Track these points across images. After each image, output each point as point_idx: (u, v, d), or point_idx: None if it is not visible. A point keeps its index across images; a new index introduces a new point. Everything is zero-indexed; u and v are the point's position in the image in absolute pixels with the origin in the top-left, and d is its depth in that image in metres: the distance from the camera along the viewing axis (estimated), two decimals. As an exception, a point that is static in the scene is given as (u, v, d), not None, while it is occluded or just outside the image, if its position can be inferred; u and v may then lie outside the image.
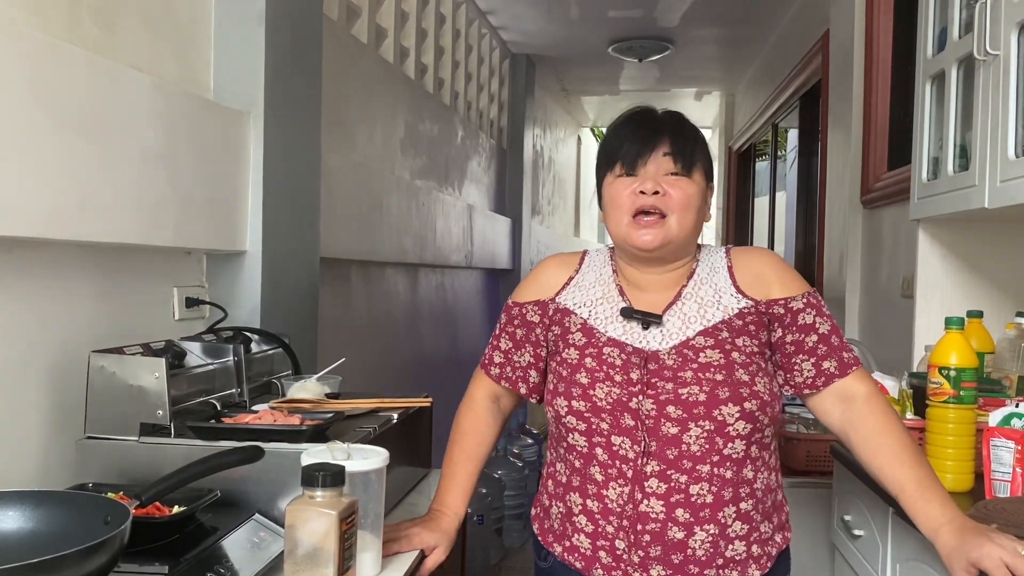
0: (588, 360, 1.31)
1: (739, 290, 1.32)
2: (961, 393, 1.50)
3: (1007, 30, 1.65)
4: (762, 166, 6.51)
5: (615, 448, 1.27)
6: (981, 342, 1.82)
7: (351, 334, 2.89)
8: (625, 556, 1.27)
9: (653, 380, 1.26)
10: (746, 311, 1.30)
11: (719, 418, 1.24)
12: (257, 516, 1.30)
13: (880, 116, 2.95)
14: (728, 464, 1.25)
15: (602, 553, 1.29)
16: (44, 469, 1.39)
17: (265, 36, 1.90)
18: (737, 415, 1.24)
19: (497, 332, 1.46)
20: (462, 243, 4.14)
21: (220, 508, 1.27)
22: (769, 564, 1.29)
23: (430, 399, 1.75)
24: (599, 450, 1.29)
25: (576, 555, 1.32)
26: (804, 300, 1.31)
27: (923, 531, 1.21)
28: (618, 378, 1.28)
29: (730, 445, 1.25)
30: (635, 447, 1.26)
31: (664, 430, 1.25)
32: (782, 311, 1.30)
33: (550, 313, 1.38)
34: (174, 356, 1.53)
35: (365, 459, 1.25)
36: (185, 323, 1.82)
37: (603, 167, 1.35)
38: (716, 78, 6.40)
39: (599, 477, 1.29)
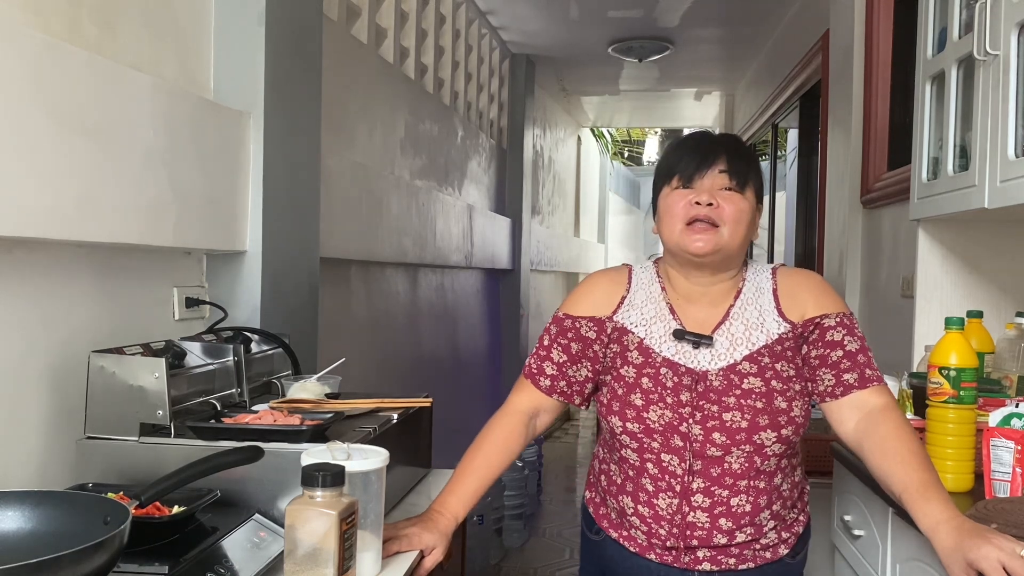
0: (644, 380, 1.40)
1: (781, 313, 1.40)
2: (961, 393, 1.50)
3: (1007, 30, 1.65)
4: (762, 166, 6.50)
5: (664, 464, 1.38)
6: (981, 342, 1.82)
7: (351, 334, 2.89)
8: (675, 552, 1.39)
9: (701, 403, 1.36)
10: (785, 336, 1.39)
11: (758, 442, 1.35)
12: (257, 516, 1.30)
13: (880, 116, 2.95)
14: (763, 477, 1.38)
15: (655, 541, 1.40)
16: (44, 469, 1.39)
17: (265, 36, 1.90)
18: (775, 439, 1.35)
19: (547, 343, 1.49)
20: (462, 243, 4.14)
21: (220, 508, 1.27)
22: (794, 541, 1.43)
23: (430, 399, 1.75)
24: (650, 465, 1.39)
25: (632, 543, 1.43)
26: (836, 319, 1.38)
27: (921, 529, 1.21)
28: (670, 400, 1.37)
29: (766, 463, 1.37)
30: (682, 465, 1.37)
31: (709, 452, 1.36)
32: (813, 328, 1.39)
33: (608, 331, 1.46)
34: (174, 356, 1.53)
35: (365, 459, 1.25)
36: (185, 323, 1.82)
37: (661, 181, 1.44)
38: (716, 78, 6.40)
39: (650, 487, 1.40)
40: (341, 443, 1.28)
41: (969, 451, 1.52)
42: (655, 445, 1.38)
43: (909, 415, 1.71)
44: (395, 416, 1.61)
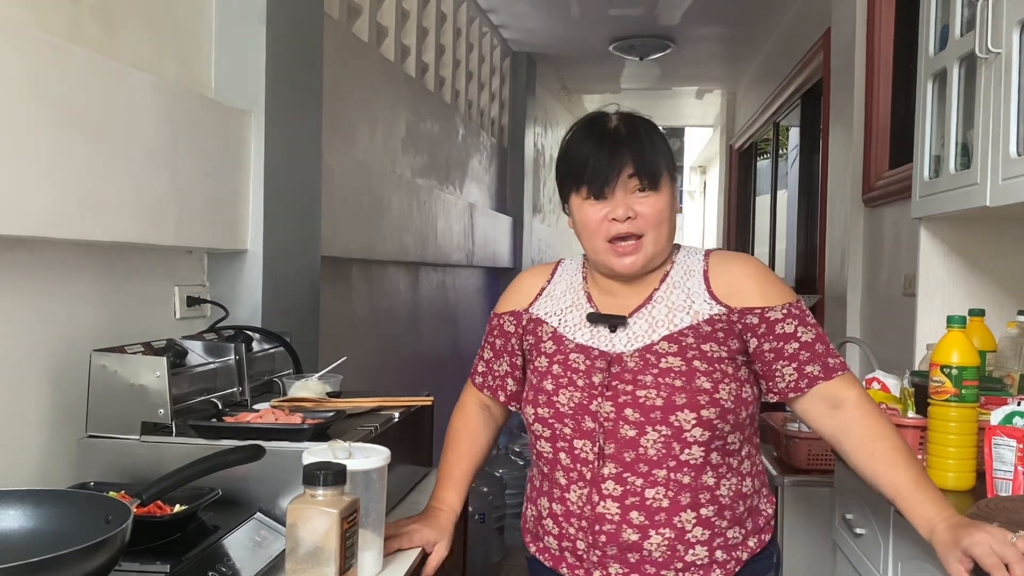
0: (555, 367, 1.34)
1: (712, 295, 1.30)
2: (963, 392, 1.50)
3: (1009, 28, 1.64)
4: (763, 165, 6.50)
5: (576, 451, 1.30)
6: (983, 341, 1.81)
7: (352, 333, 2.89)
8: (585, 556, 1.29)
9: (614, 383, 1.28)
10: (717, 317, 1.29)
11: (675, 424, 1.24)
12: (258, 515, 1.30)
13: (882, 114, 2.94)
14: (686, 470, 1.25)
15: (567, 554, 1.32)
16: (46, 468, 1.39)
17: (266, 34, 1.90)
18: (693, 422, 1.24)
19: (483, 343, 1.50)
20: (463, 242, 4.13)
21: (221, 507, 1.28)
22: (737, 568, 1.29)
23: (431, 398, 1.75)
24: (563, 455, 1.31)
25: (547, 555, 1.36)
26: (784, 311, 1.28)
27: (920, 531, 1.21)
28: (581, 383, 1.30)
29: (687, 451, 1.25)
30: (594, 449, 1.28)
31: (622, 433, 1.26)
32: (756, 320, 1.28)
33: (523, 323, 1.42)
34: (175, 355, 1.53)
35: (366, 458, 1.25)
36: (186, 322, 1.82)
37: (567, 184, 1.34)
38: (717, 76, 6.39)
39: (563, 481, 1.31)
40: (342, 442, 1.28)
41: (971, 449, 1.52)
42: (567, 431, 1.30)
43: (911, 414, 1.71)
44: (396, 415, 1.61)
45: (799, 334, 1.28)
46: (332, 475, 1.13)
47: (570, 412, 1.30)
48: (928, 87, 2.10)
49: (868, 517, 1.75)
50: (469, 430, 1.50)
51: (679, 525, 1.25)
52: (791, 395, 1.29)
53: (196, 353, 1.61)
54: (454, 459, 1.48)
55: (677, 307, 1.31)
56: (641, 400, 1.25)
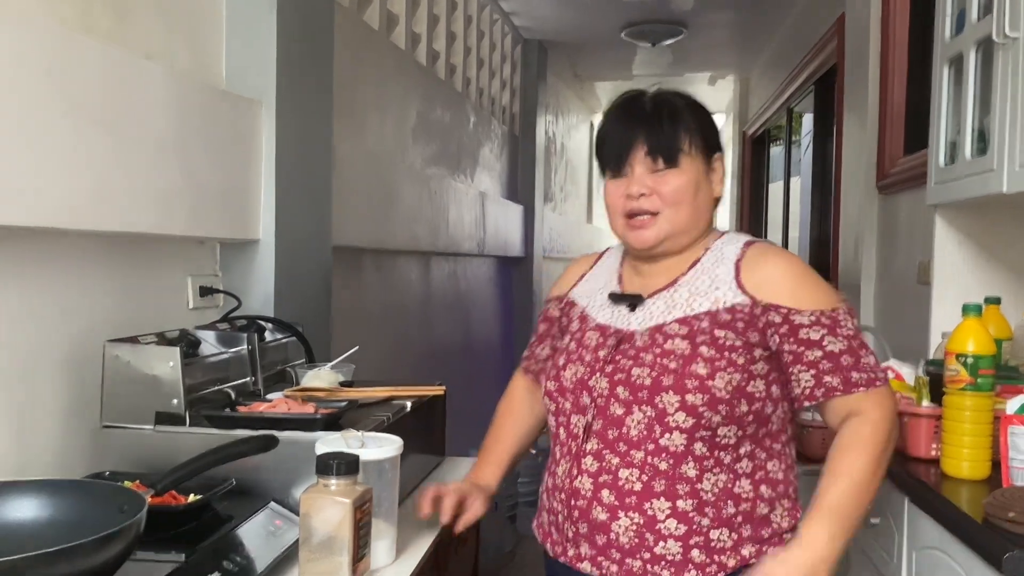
0: (572, 344, 1.35)
1: (740, 285, 1.25)
2: (978, 380, 1.49)
3: (1027, 12, 1.62)
4: (776, 151, 6.45)
5: (571, 427, 1.30)
6: (999, 329, 1.80)
7: (364, 322, 2.90)
8: (563, 531, 1.29)
9: (617, 358, 1.27)
10: (738, 307, 1.23)
11: (660, 405, 1.21)
12: (272, 504, 1.31)
13: (896, 100, 2.91)
14: (664, 456, 1.21)
15: (553, 528, 1.33)
16: (63, 457, 1.40)
17: (277, 24, 1.90)
18: (677, 405, 1.20)
19: (535, 329, 1.53)
20: (474, 231, 4.13)
21: (235, 496, 1.28)
22: (720, 573, 1.21)
23: (443, 388, 1.75)
24: (561, 430, 1.32)
25: (540, 530, 1.37)
26: (812, 317, 1.21)
27: None
28: (588, 358, 1.31)
29: (667, 436, 1.21)
30: (583, 424, 1.28)
31: (611, 410, 1.25)
32: (779, 319, 1.22)
33: (563, 307, 1.45)
34: (188, 345, 1.53)
35: (379, 447, 1.26)
36: (199, 312, 1.82)
37: (599, 163, 1.37)
38: (730, 62, 6.34)
39: (557, 455, 1.33)
40: (355, 431, 1.28)
41: (986, 439, 1.51)
42: (567, 405, 1.30)
43: (926, 403, 1.69)
44: (409, 404, 1.62)
45: (825, 343, 1.20)
46: (345, 465, 1.14)
47: (571, 387, 1.30)
48: (944, 72, 2.08)
49: (882, 506, 1.74)
50: (512, 412, 1.53)
51: (649, 512, 1.21)
52: (806, 403, 1.23)
53: (209, 343, 1.62)
54: (492, 440, 1.53)
55: (700, 292, 1.27)
56: (633, 379, 1.23)
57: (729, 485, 1.22)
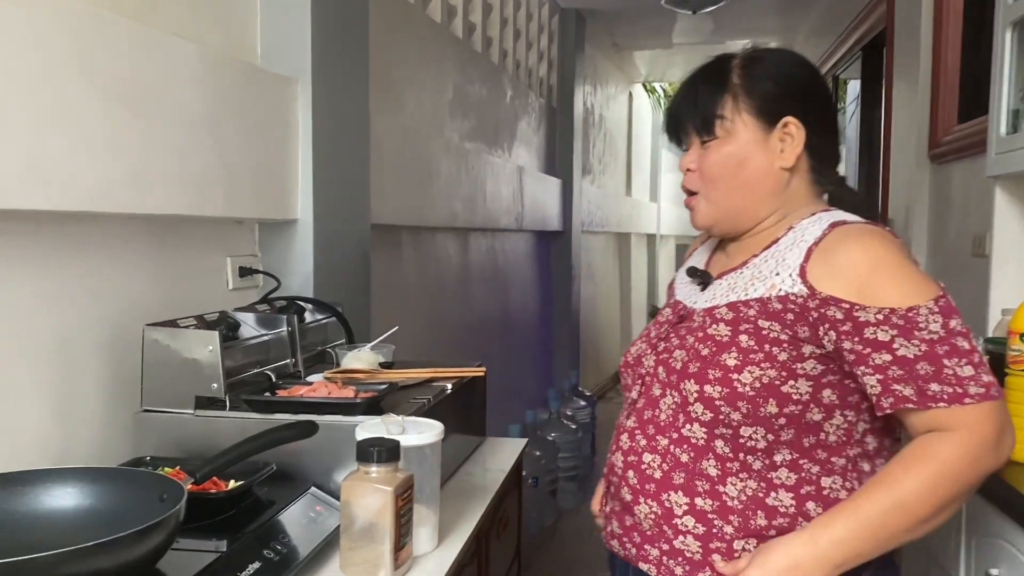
0: (653, 319, 1.31)
1: (802, 273, 1.09)
2: (1044, 361, 1.42)
3: (1099, -30, 1.53)
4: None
5: (626, 400, 1.26)
6: (1063, 306, 1.72)
7: (402, 301, 2.88)
8: (608, 503, 1.26)
9: (670, 335, 1.21)
10: (792, 298, 1.08)
11: (683, 392, 1.13)
12: (313, 489, 1.30)
13: (951, 66, 2.80)
14: (686, 447, 1.13)
15: (605, 500, 1.29)
16: (104, 442, 1.40)
17: (311, -1, 1.86)
18: (696, 395, 1.11)
19: None
20: (512, 206, 4.08)
21: (276, 481, 1.27)
22: None
23: (483, 369, 1.72)
24: (624, 403, 1.28)
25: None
26: (881, 315, 1.03)
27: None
28: (652, 334, 1.27)
29: (688, 427, 1.13)
30: (631, 399, 1.24)
31: (652, 390, 1.19)
32: (840, 316, 1.05)
33: (671, 282, 1.40)
34: (228, 328, 1.52)
35: (420, 433, 1.23)
36: (239, 293, 1.81)
37: None
38: (773, 28, 6.17)
39: (615, 433, 1.28)
40: (396, 416, 1.26)
41: (1051, 422, 1.44)
42: (628, 380, 1.26)
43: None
44: (449, 386, 1.59)
45: (896, 346, 1.02)
46: (386, 451, 1.12)
47: (631, 362, 1.26)
48: (1006, 36, 1.97)
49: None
50: None
51: (667, 504, 1.14)
52: (879, 413, 1.05)
53: (248, 325, 1.61)
54: None
55: (761, 276, 1.14)
56: (670, 362, 1.17)
57: (761, 494, 1.10)
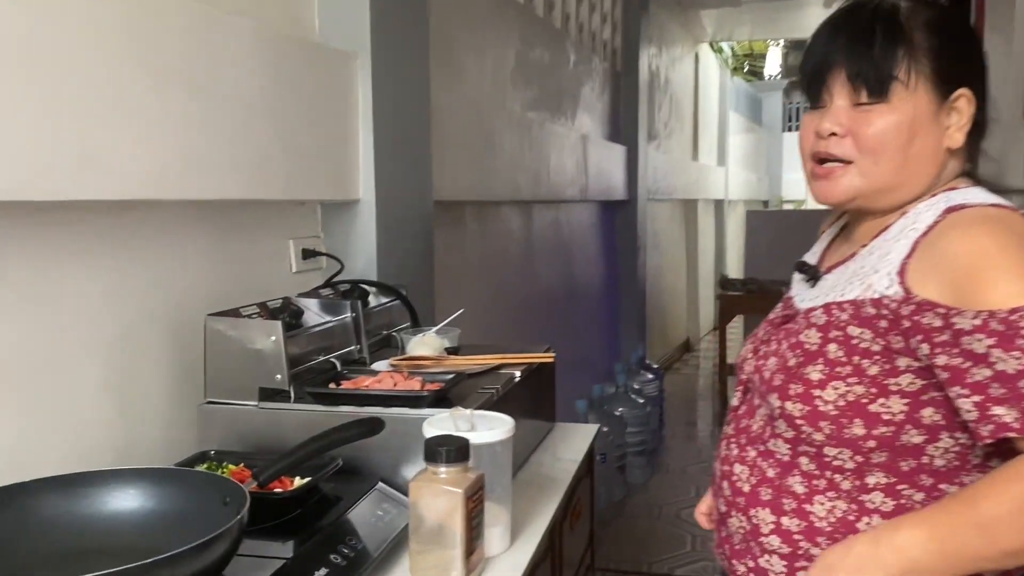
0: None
1: (902, 271, 0.94)
2: None
3: None
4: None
5: (731, 404, 1.18)
6: None
7: (466, 278, 2.82)
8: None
9: (770, 338, 1.10)
10: (886, 302, 0.94)
11: (771, 404, 1.03)
12: (380, 485, 1.25)
13: (1052, 17, 2.60)
14: (772, 461, 1.04)
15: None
16: (169, 434, 1.38)
17: (369, -30, 1.79)
18: (778, 410, 1.01)
19: None
20: (576, 176, 3.98)
21: (342, 476, 1.22)
22: None
23: (552, 355, 1.65)
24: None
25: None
26: (979, 319, 0.86)
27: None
28: (761, 332, 1.17)
29: (774, 441, 1.03)
30: (736, 401, 1.16)
31: (753, 398, 1.10)
32: (939, 323, 0.89)
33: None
34: (291, 315, 1.48)
35: (490, 429, 1.17)
36: (303, 275, 1.77)
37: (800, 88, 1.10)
38: (848, -17, 5.89)
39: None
40: (464, 410, 1.20)
41: None
42: (740, 378, 1.17)
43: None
44: (517, 374, 1.53)
45: (993, 358, 0.85)
46: (455, 451, 1.06)
47: (739, 363, 1.17)
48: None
49: None
50: None
51: (755, 520, 1.04)
52: (979, 443, 0.89)
53: (312, 311, 1.56)
54: None
55: (862, 272, 1.00)
56: (764, 369, 1.06)
57: (851, 518, 0.98)
